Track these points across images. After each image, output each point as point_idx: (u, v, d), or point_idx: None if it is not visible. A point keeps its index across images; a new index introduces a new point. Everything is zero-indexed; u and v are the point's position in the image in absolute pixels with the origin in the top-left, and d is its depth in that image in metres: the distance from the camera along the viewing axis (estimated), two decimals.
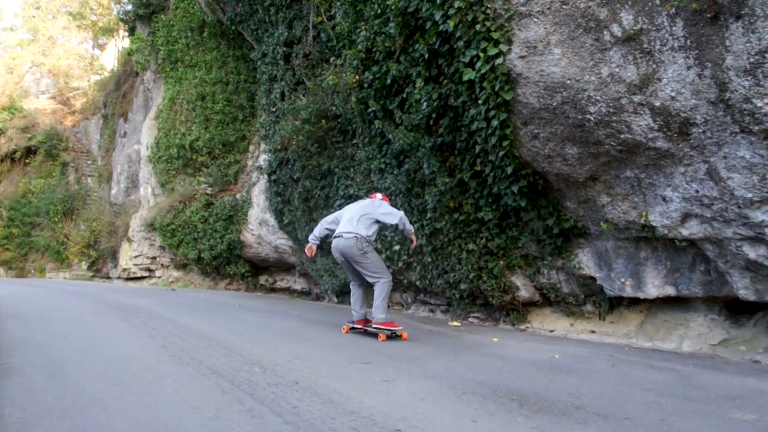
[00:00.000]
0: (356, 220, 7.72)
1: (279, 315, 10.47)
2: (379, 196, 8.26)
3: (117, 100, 27.37)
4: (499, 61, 6.58)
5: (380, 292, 7.65)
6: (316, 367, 5.72)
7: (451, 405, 4.46)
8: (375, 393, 4.79)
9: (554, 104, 6.34)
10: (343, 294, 12.63)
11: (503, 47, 6.53)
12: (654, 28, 5.46)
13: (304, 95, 11.86)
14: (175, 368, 5.66)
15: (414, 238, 7.99)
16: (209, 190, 17.62)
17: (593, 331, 7.88)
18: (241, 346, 6.86)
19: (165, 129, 19.21)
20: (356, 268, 7.78)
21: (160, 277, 20.21)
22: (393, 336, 7.53)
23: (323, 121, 11.04)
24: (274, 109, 13.56)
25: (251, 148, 17.39)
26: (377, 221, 7.79)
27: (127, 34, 25.48)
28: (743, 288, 6.15)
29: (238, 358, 6.19)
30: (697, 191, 5.91)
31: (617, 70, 5.79)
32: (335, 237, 7.82)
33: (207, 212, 17.10)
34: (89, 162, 29.81)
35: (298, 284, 15.66)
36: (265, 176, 14.02)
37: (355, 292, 8.22)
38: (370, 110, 9.36)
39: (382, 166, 9.66)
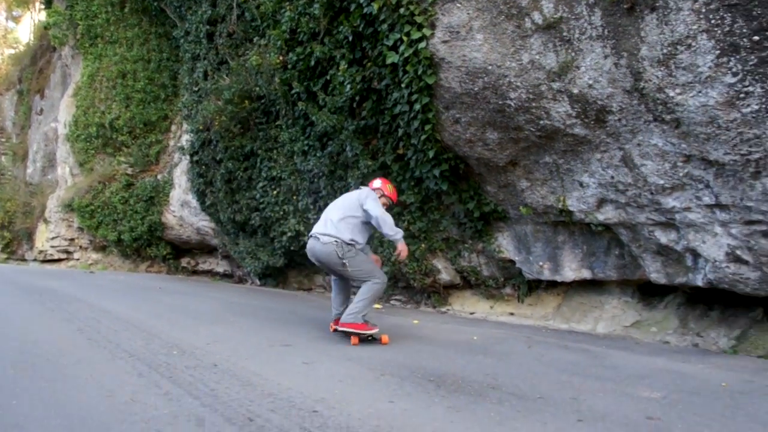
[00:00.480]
0: (338, 219, 6.30)
1: (200, 298, 10.35)
2: (377, 183, 6.74)
3: (33, 76, 26.37)
4: (422, 45, 6.59)
5: (366, 292, 6.19)
6: (235, 350, 5.69)
7: (369, 386, 4.49)
8: (294, 375, 4.79)
9: (476, 89, 6.40)
10: (265, 276, 12.57)
11: (426, 31, 6.54)
12: (573, 17, 5.55)
13: (227, 75, 11.68)
14: (90, 352, 5.55)
15: (400, 247, 6.20)
16: (130, 171, 17.24)
17: (512, 314, 8.03)
18: (160, 329, 6.76)
19: (84, 107, 18.61)
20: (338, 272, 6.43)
21: (78, 260, 19.70)
22: (370, 339, 6.24)
23: (246, 101, 10.90)
24: (196, 89, 13.31)
25: (173, 128, 17.07)
26: (367, 221, 6.34)
27: (43, 6, 24.54)
28: (655, 271, 6.36)
29: (157, 341, 6.11)
30: (612, 177, 6.06)
31: (537, 57, 5.87)
32: (310, 237, 6.47)
33: (127, 193, 16.74)
34: (3, 140, 28.65)
35: (221, 267, 15.52)
36: (187, 157, 13.77)
37: (335, 287, 6.78)
38: (293, 92, 9.28)
39: (306, 148, 9.60)
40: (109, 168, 17.59)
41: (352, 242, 6.25)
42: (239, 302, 9.72)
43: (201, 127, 12.47)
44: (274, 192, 10.74)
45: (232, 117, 11.21)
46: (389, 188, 6.72)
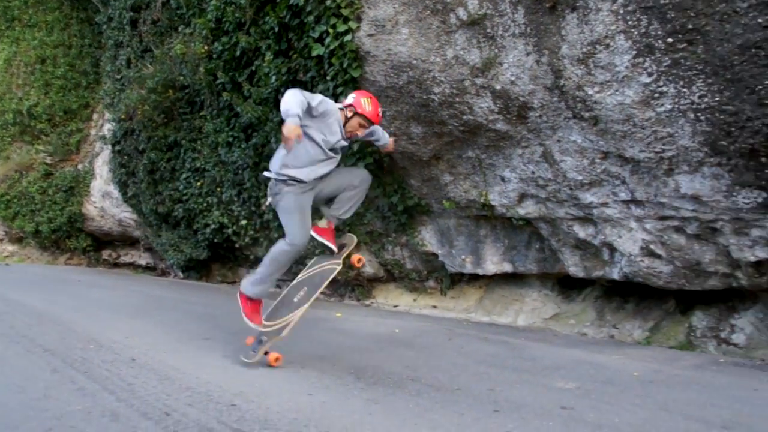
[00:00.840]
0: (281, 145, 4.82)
1: (120, 291, 10.16)
2: (350, 97, 5.17)
3: None
4: (348, 38, 6.56)
5: (267, 258, 5.12)
6: (154, 344, 5.61)
7: (288, 379, 4.49)
8: (213, 369, 4.76)
9: (400, 83, 6.42)
10: (188, 269, 12.41)
11: (352, 24, 6.52)
12: (497, 14, 5.61)
13: (151, 63, 11.43)
14: (2, 347, 5.41)
15: (284, 128, 4.41)
16: (48, 160, 16.70)
17: (435, 306, 8.12)
18: (77, 323, 6.62)
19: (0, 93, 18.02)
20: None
21: None
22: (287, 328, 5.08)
23: (170, 91, 10.70)
24: (119, 77, 12.98)
25: (95, 116, 16.62)
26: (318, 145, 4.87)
27: None
28: (573, 265, 6.52)
29: (73, 335, 5.98)
30: (533, 172, 6.18)
31: (461, 52, 5.92)
32: None
33: (46, 183, 16.20)
34: None
35: (143, 259, 15.26)
36: (109, 146, 13.44)
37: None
38: (218, 82, 9.15)
39: (230, 139, 9.47)
40: (26, 156, 17.01)
41: (283, 178, 4.84)
42: (161, 295, 9.58)
43: (123, 116, 12.18)
44: (198, 183, 10.59)
45: (155, 106, 10.99)
46: (365, 104, 5.04)
